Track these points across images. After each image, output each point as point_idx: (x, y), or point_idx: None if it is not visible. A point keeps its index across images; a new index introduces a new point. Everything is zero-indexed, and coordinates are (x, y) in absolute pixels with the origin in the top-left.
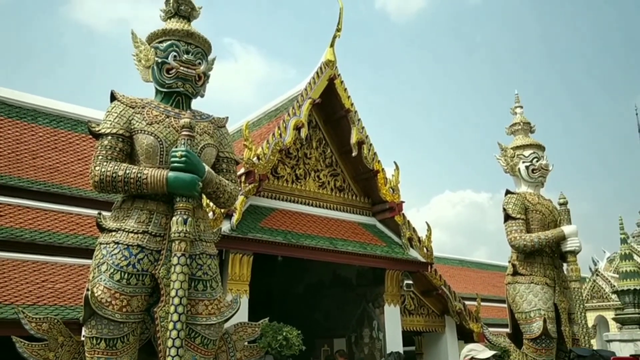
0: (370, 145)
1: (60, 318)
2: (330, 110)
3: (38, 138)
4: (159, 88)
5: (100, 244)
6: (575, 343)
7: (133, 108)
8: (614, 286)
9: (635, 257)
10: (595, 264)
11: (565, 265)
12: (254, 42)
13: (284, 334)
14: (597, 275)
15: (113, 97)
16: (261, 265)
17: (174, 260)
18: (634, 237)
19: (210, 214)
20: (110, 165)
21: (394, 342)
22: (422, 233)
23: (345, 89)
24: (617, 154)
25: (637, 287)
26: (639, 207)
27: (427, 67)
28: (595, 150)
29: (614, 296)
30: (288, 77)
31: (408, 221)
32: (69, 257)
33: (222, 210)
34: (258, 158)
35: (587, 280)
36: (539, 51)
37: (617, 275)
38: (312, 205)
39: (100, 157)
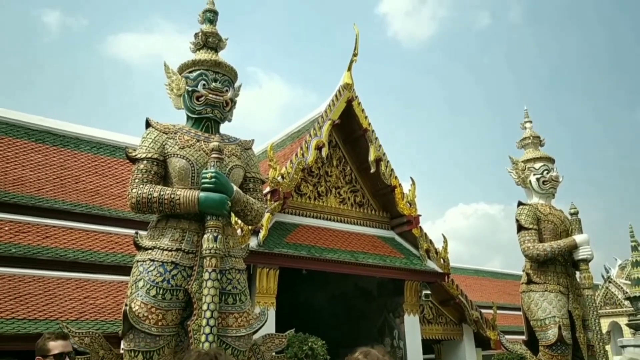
0: (388, 162)
1: (101, 332)
2: (349, 130)
3: (80, 164)
4: (189, 114)
5: (137, 261)
6: (590, 349)
7: (166, 134)
8: (627, 293)
9: None
10: (608, 272)
11: (578, 273)
12: (277, 69)
13: (310, 344)
14: (610, 282)
15: (148, 124)
16: (287, 279)
17: (206, 276)
18: None
19: (239, 231)
20: (146, 187)
21: (414, 350)
22: (438, 245)
23: (363, 110)
24: (626, 164)
25: None
26: None
27: (439, 86)
28: (604, 160)
29: (626, 302)
30: (309, 100)
31: (425, 233)
32: (109, 274)
33: (250, 227)
34: (282, 177)
35: (600, 287)
36: (547, 66)
37: (629, 282)
38: (333, 220)
39: (137, 180)
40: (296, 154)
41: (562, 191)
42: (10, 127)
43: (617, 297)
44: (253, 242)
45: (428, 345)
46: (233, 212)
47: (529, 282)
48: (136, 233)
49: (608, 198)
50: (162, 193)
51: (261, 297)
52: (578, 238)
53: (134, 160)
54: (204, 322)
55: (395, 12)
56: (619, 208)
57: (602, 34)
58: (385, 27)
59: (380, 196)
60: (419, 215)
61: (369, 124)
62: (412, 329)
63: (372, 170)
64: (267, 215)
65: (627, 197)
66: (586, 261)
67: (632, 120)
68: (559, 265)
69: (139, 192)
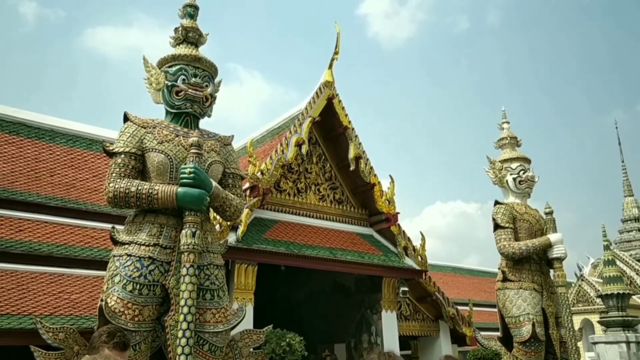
0: (367, 160)
1: (75, 328)
2: (329, 127)
3: (55, 156)
4: (168, 109)
5: (114, 256)
6: (562, 345)
7: (145, 128)
8: (599, 290)
9: (617, 262)
10: (580, 270)
11: (552, 271)
12: (258, 66)
13: (287, 340)
14: (582, 280)
15: (126, 118)
16: (265, 275)
17: (183, 271)
18: (616, 243)
19: (217, 227)
20: (124, 182)
21: (391, 346)
22: (416, 242)
23: (343, 108)
24: (600, 166)
25: (620, 291)
26: (620, 215)
27: (417, 88)
28: (579, 162)
29: (598, 300)
30: (290, 98)
31: (403, 231)
32: (84, 269)
33: (228, 223)
34: (262, 173)
35: (573, 285)
36: (524, 69)
37: (601, 280)
38: (312, 217)
39: (114, 175)
40: (276, 151)
41: (537, 191)
42: None
43: (589, 294)
44: (232, 238)
45: (405, 342)
46: (212, 207)
47: (505, 279)
48: (113, 227)
49: (582, 198)
50: (139, 188)
51: (239, 293)
52: (552, 237)
53: (111, 154)
54: (182, 317)
55: (375, 13)
56: (592, 208)
57: (573, 39)
58: (366, 27)
59: (360, 193)
60: (398, 213)
61: (349, 122)
62: (389, 325)
63: (352, 167)
64: (246, 211)
65: (600, 198)
66: (560, 260)
67: (604, 123)
68: (534, 263)
69: (116, 186)
